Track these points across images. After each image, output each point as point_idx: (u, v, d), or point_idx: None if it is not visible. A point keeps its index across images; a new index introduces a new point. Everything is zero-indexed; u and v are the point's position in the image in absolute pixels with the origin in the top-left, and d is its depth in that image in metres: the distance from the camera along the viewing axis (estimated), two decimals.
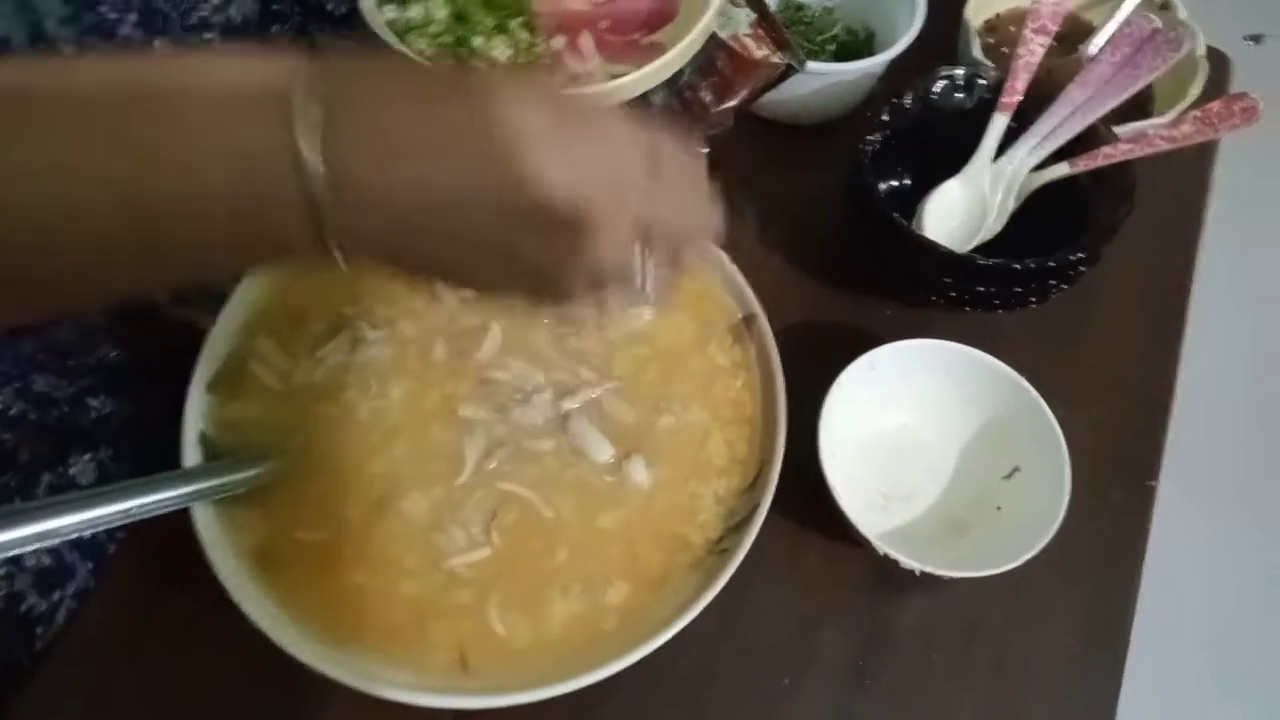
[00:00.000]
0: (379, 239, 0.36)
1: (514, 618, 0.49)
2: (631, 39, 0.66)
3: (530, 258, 0.37)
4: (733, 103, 0.68)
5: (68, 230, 0.35)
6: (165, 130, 0.35)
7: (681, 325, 0.58)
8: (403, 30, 0.62)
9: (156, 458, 0.65)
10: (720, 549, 0.52)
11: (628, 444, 0.54)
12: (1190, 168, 0.75)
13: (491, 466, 0.53)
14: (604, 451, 0.54)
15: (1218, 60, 0.75)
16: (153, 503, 0.47)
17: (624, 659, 0.47)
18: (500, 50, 0.63)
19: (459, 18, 0.63)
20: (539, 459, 0.53)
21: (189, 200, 0.35)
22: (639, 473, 0.53)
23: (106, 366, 0.67)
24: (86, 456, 0.61)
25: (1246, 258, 1.64)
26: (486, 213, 0.36)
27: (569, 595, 0.50)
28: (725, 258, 0.59)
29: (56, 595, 0.56)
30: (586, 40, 0.64)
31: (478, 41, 0.63)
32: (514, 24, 0.64)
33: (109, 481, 0.64)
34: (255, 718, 0.53)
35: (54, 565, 0.56)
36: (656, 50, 0.62)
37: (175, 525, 0.54)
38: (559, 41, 0.65)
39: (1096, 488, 0.59)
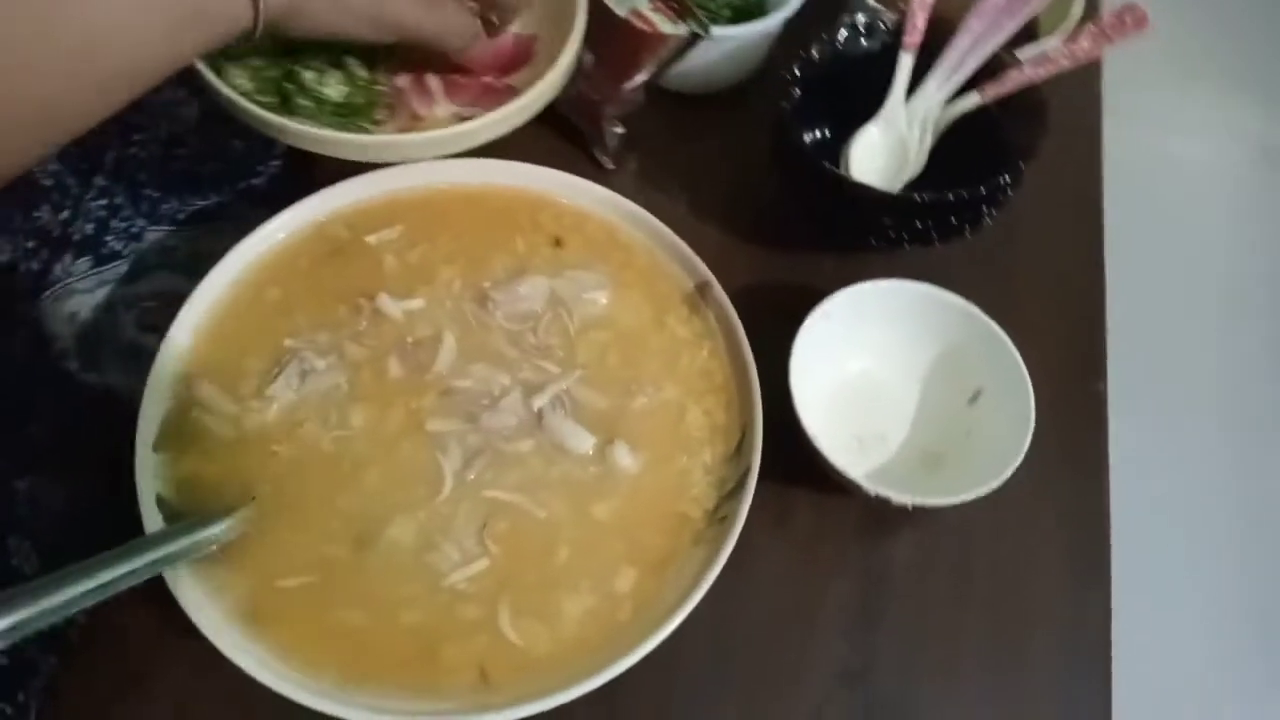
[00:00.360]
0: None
1: (528, 624, 0.48)
2: (484, 81, 0.64)
3: None
4: (642, 78, 0.68)
5: None
6: None
7: (636, 304, 0.57)
8: (219, 64, 0.58)
9: (102, 534, 0.61)
10: (719, 518, 0.51)
11: (606, 431, 0.53)
12: (1080, 87, 0.78)
13: (472, 477, 0.51)
14: (584, 442, 0.52)
15: None
16: (123, 575, 0.44)
17: (645, 644, 0.47)
18: (334, 88, 0.61)
19: (287, 51, 0.60)
20: (520, 461, 0.52)
21: None
22: (624, 457, 0.52)
23: (26, 448, 0.63)
24: (27, 544, 0.57)
25: (1146, 166, 1.74)
26: None
27: (578, 591, 0.49)
28: (667, 229, 0.59)
29: (21, 696, 0.52)
30: (433, 81, 0.62)
31: (308, 76, 0.60)
32: (350, 60, 0.62)
33: (54, 567, 0.59)
34: None
35: (13, 664, 0.52)
36: (509, 93, 0.61)
37: (143, 599, 0.51)
38: (403, 80, 0.63)
39: (1052, 398, 0.60)
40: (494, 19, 0.62)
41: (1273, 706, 1.36)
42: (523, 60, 0.66)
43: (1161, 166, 1.78)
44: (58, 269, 0.64)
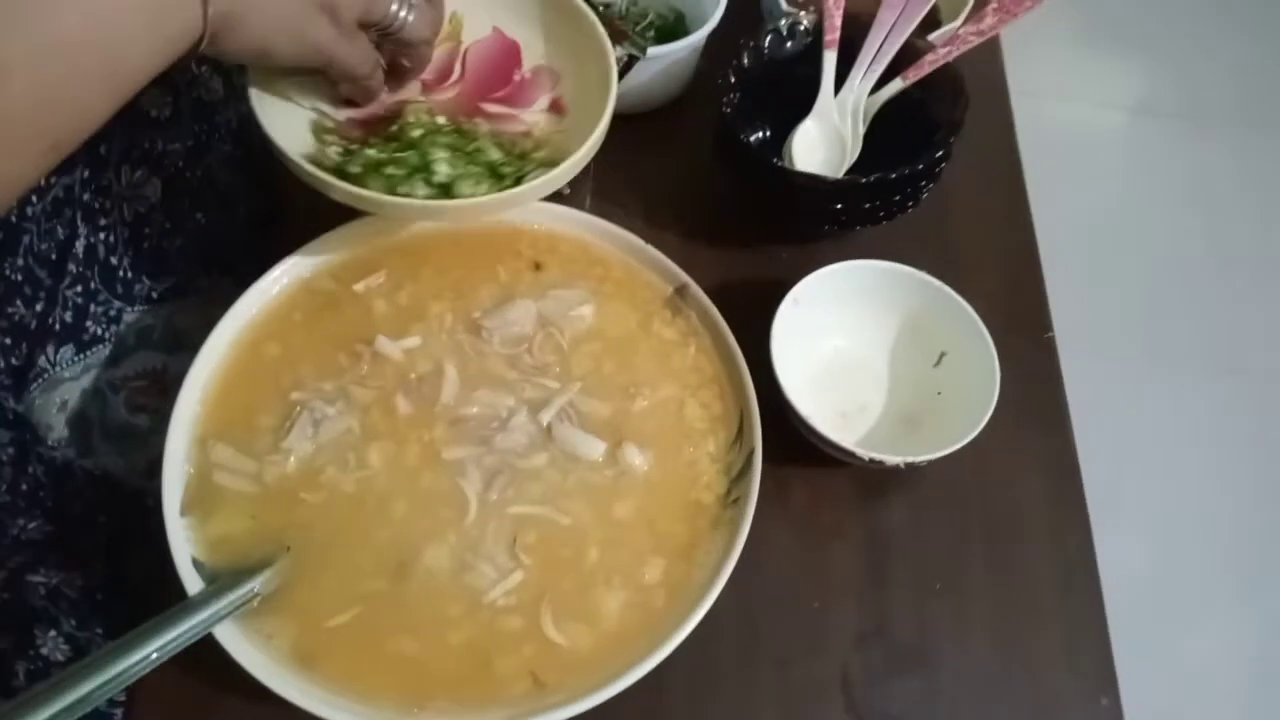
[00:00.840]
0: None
1: (570, 625, 0.50)
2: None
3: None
4: None
5: None
6: None
7: (620, 313, 0.61)
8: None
9: (125, 613, 0.62)
10: (732, 500, 0.55)
11: (614, 435, 0.56)
12: (985, 61, 0.84)
13: (494, 496, 0.53)
14: (595, 448, 0.55)
15: None
16: (174, 639, 0.46)
17: (684, 627, 0.49)
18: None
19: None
20: (538, 475, 0.54)
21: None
22: (634, 457, 0.55)
23: (32, 541, 0.63)
24: (52, 633, 0.57)
25: (1056, 128, 1.85)
26: None
27: (613, 587, 0.52)
28: (638, 240, 0.62)
29: None
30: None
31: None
32: None
33: (84, 653, 0.60)
34: None
35: None
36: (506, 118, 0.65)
37: (195, 661, 0.52)
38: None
39: (1007, 350, 0.64)
40: (406, 63, 0.64)
41: (1241, 609, 1.46)
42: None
43: (1062, 130, 1.89)
44: (41, 360, 0.65)
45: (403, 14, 0.56)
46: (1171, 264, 1.78)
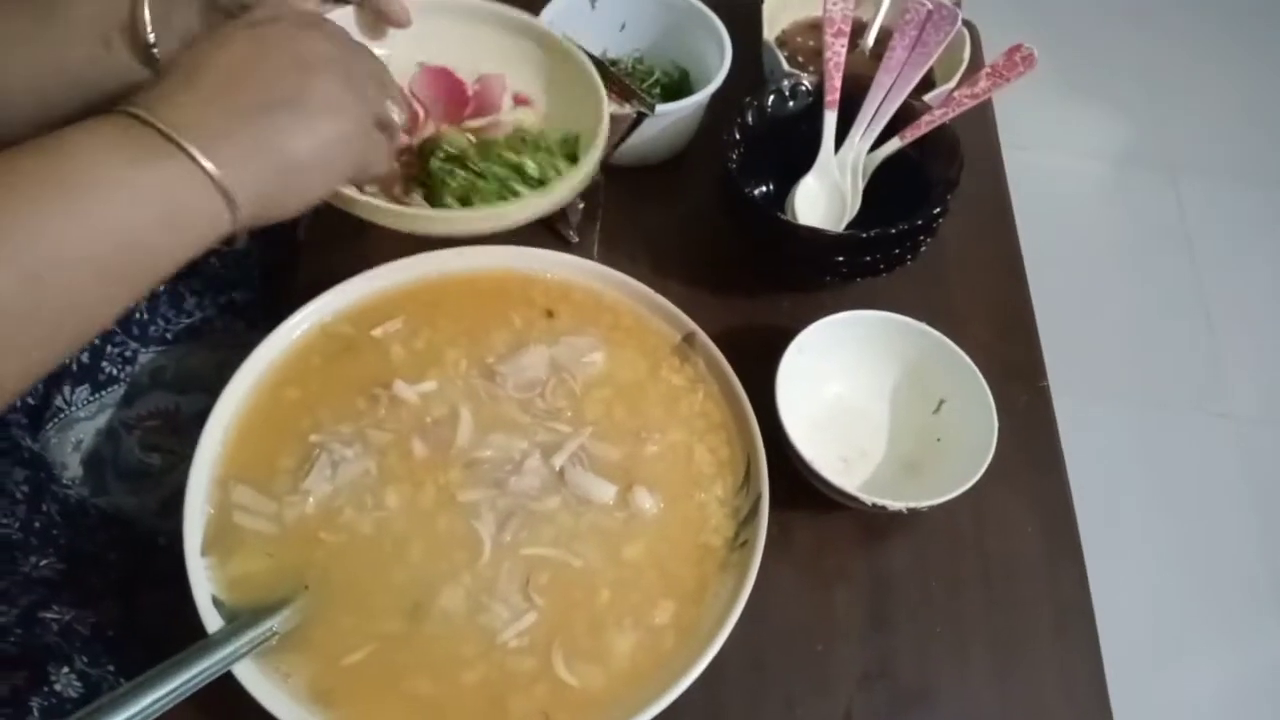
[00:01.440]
0: (269, 192, 0.48)
1: (582, 666, 0.51)
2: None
3: (339, 131, 0.50)
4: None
5: None
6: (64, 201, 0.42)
7: (631, 360, 0.62)
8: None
9: (136, 651, 0.62)
10: (740, 543, 0.56)
11: (625, 478, 0.57)
12: (978, 121, 0.87)
13: (508, 538, 0.55)
14: (606, 492, 0.57)
15: (970, 27, 0.88)
16: (194, 676, 0.47)
17: (694, 668, 0.51)
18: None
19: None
20: (551, 518, 0.56)
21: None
22: (644, 500, 0.57)
23: (45, 579, 0.63)
24: (65, 670, 0.57)
25: (1044, 181, 1.90)
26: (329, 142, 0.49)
27: (623, 629, 0.53)
28: (647, 289, 0.64)
29: None
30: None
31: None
32: None
33: (97, 690, 0.60)
34: None
35: None
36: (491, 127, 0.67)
37: (202, 709, 0.53)
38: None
39: (1003, 398, 0.67)
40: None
41: (1232, 649, 1.48)
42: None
43: (1046, 182, 1.94)
44: (58, 400, 0.66)
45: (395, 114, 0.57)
46: (1158, 310, 1.81)
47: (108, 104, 0.58)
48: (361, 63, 0.54)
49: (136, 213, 0.44)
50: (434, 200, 0.63)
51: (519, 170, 0.63)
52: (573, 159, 0.65)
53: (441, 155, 0.63)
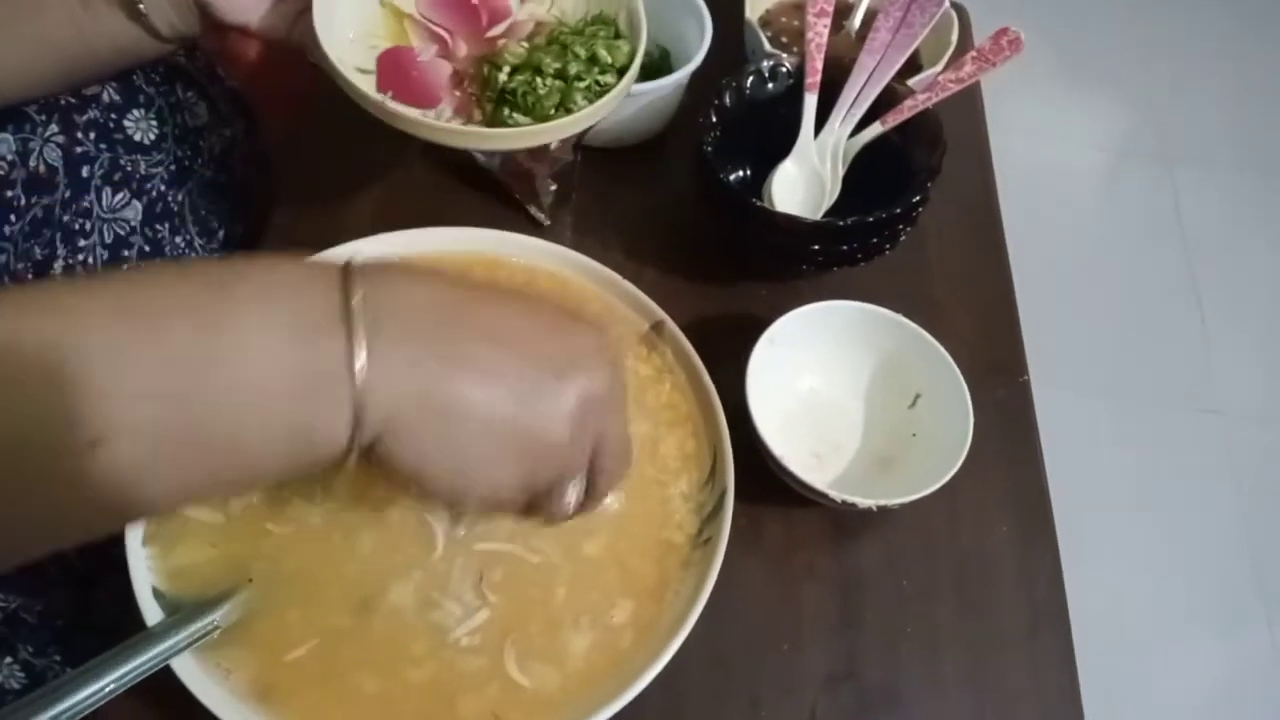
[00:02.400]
0: (399, 411, 0.38)
1: (536, 666, 0.50)
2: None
3: (516, 472, 0.42)
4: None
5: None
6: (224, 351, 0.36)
7: None
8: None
9: (85, 641, 0.60)
10: (703, 540, 0.54)
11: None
12: (965, 107, 0.85)
13: (462, 532, 0.53)
14: None
15: (960, 10, 0.86)
16: (131, 670, 0.45)
17: (650, 669, 0.49)
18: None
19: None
20: None
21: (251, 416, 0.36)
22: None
23: None
24: (8, 659, 0.56)
25: (1036, 169, 1.88)
26: (507, 399, 0.40)
27: (580, 628, 0.51)
28: (616, 275, 0.62)
29: None
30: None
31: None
32: None
33: (41, 680, 0.58)
34: None
35: None
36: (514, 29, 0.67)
37: (152, 692, 0.51)
38: None
39: (982, 393, 0.65)
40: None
41: (1209, 649, 1.47)
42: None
43: (1040, 170, 1.92)
44: None
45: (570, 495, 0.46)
46: (1147, 303, 1.80)
47: (99, 69, 0.54)
48: (615, 425, 0.45)
49: (261, 379, 0.36)
50: (523, 115, 0.63)
51: (594, 60, 0.64)
52: (615, 35, 0.66)
53: (509, 70, 0.64)
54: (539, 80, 0.63)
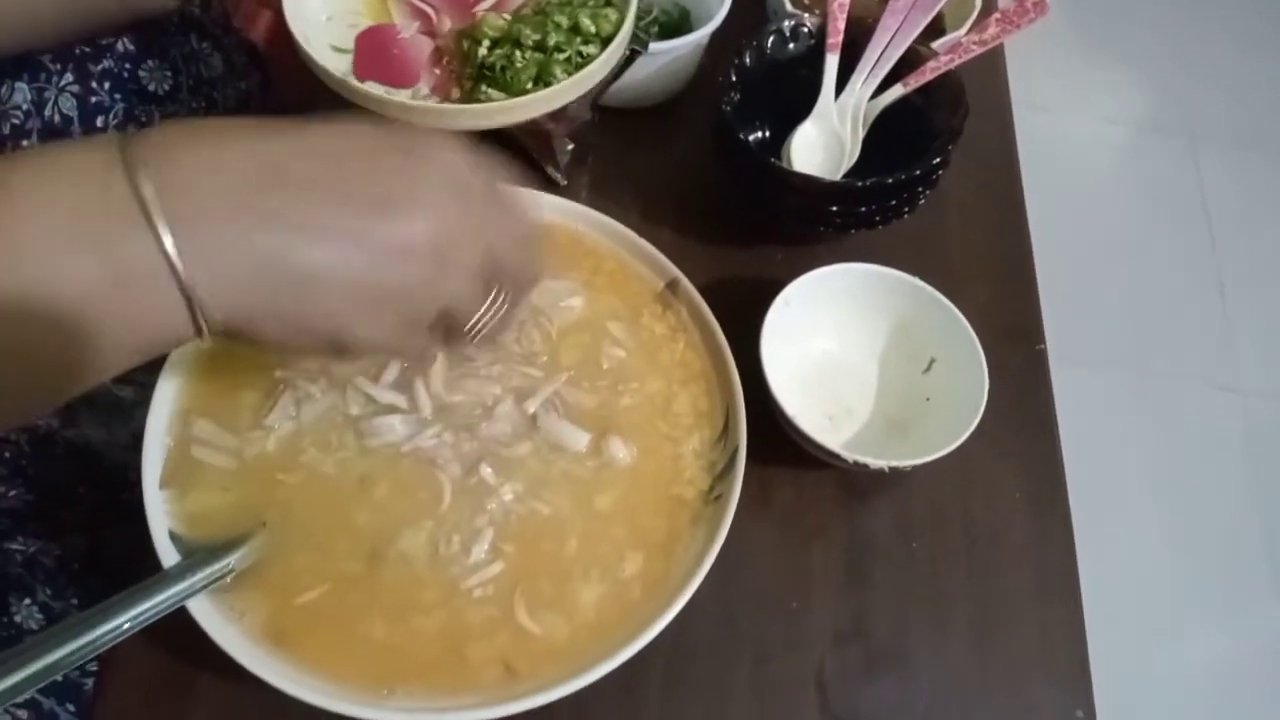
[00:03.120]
0: (252, 302, 0.37)
1: (546, 615, 0.50)
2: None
3: (394, 293, 0.39)
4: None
5: None
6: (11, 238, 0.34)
7: (611, 306, 0.60)
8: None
9: (100, 586, 0.61)
10: (714, 497, 0.54)
11: (599, 427, 0.56)
12: (987, 70, 0.84)
13: (473, 482, 0.53)
14: (580, 440, 0.55)
15: None
16: (148, 609, 0.45)
17: (659, 621, 0.49)
18: None
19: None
20: (521, 463, 0.54)
21: (52, 301, 0.34)
22: (618, 450, 0.55)
23: (11, 510, 0.63)
24: (27, 601, 0.57)
25: (1060, 144, 1.86)
26: (356, 243, 0.38)
27: (590, 580, 0.51)
28: (631, 233, 0.62)
29: None
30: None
31: None
32: None
33: (56, 622, 0.59)
34: None
35: (35, 717, 0.52)
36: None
37: (156, 643, 0.52)
38: None
39: (998, 360, 0.65)
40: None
41: (1221, 626, 1.47)
42: None
43: (1063, 145, 1.90)
44: None
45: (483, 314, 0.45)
46: (1166, 280, 1.79)
47: (104, 20, 0.52)
48: (499, 230, 0.43)
49: (73, 271, 0.35)
50: (498, 91, 0.62)
51: (576, 30, 0.63)
52: (605, 3, 0.65)
53: (488, 44, 0.62)
54: (517, 54, 0.62)
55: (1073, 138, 1.96)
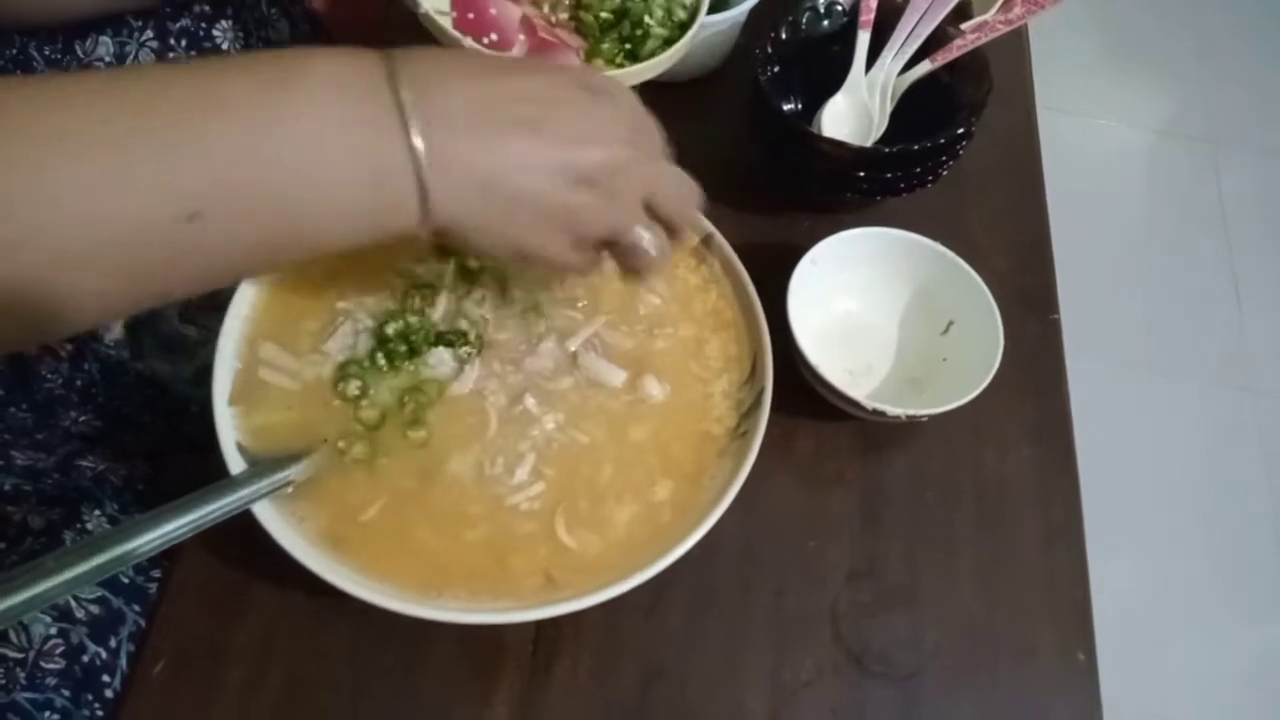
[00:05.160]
0: (468, 209, 0.45)
1: (582, 533, 0.54)
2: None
3: (574, 215, 0.47)
4: None
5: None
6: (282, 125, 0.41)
7: None
8: None
9: (163, 504, 0.65)
10: (740, 433, 0.58)
11: (635, 366, 0.59)
12: (1011, 54, 0.87)
13: (518, 411, 0.57)
14: (617, 377, 0.59)
15: None
16: (214, 509, 0.49)
17: (686, 541, 0.53)
18: None
19: None
20: (562, 396, 0.58)
21: (314, 181, 0.42)
22: (653, 388, 0.59)
23: (80, 434, 0.67)
24: (96, 512, 0.61)
25: (1082, 145, 1.89)
26: (551, 173, 0.46)
27: (623, 502, 0.55)
28: None
29: (113, 641, 0.56)
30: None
31: None
32: None
33: None
34: (367, 679, 0.55)
35: (104, 614, 0.56)
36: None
37: (215, 553, 0.56)
38: None
39: (1013, 326, 0.68)
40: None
41: (1231, 627, 1.49)
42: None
43: (1086, 148, 1.93)
44: None
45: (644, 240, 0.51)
46: (1185, 280, 1.81)
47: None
48: (661, 171, 0.51)
49: (323, 155, 0.42)
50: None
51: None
52: None
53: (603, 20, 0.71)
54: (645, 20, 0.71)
55: (1093, 141, 1.98)
